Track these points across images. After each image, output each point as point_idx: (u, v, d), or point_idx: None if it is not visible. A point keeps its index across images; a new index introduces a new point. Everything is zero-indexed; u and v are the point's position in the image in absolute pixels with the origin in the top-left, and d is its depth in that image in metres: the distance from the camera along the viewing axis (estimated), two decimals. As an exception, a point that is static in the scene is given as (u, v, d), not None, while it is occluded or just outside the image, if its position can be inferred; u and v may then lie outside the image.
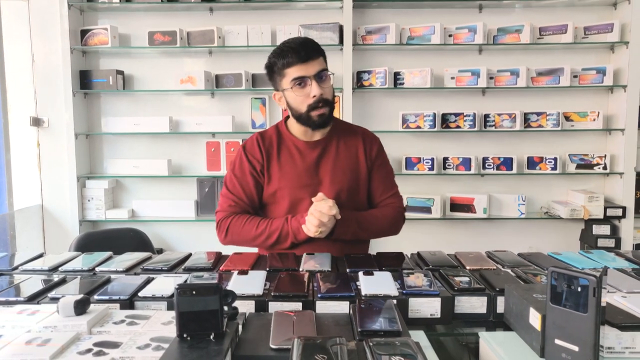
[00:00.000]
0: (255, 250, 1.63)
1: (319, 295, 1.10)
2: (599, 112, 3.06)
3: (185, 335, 0.84)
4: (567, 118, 3.09)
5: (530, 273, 1.26)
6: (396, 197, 1.70)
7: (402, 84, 3.09)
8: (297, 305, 1.08)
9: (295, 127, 1.65)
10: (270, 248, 1.60)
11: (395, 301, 1.06)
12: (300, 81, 1.52)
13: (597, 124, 3.06)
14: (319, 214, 1.46)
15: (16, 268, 1.37)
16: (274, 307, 1.08)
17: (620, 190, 3.08)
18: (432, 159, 3.10)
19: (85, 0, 3.10)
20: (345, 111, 3.06)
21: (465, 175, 3.16)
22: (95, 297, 1.09)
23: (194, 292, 0.85)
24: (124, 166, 3.20)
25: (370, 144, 1.69)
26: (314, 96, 1.52)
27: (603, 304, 0.79)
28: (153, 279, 1.22)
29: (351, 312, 1.02)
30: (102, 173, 3.28)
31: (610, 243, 3.05)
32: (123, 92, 3.20)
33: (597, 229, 3.08)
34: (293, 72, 1.52)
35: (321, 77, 1.53)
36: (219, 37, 3.08)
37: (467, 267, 1.33)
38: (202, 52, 3.20)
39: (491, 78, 3.08)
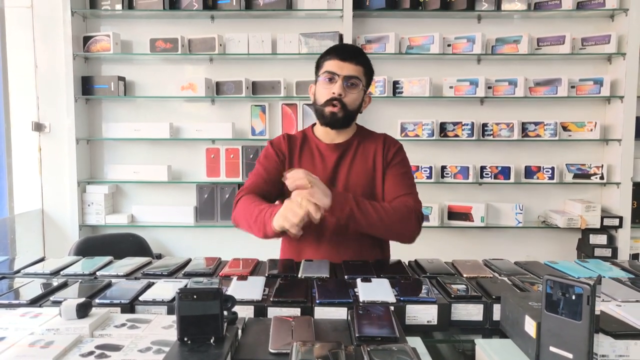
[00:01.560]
0: (254, 256, 1.64)
1: (318, 301, 1.11)
2: (596, 123, 3.08)
3: (185, 339, 0.85)
4: (564, 128, 3.11)
5: (527, 281, 1.27)
6: (410, 197, 1.59)
7: (401, 92, 3.12)
8: (296, 311, 1.09)
9: (320, 130, 1.68)
10: (286, 242, 1.67)
11: (392, 308, 1.07)
12: (330, 76, 1.57)
13: (595, 134, 3.09)
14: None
15: (18, 272, 1.38)
16: (272, 312, 1.09)
17: (617, 200, 3.10)
18: (430, 168, 3.12)
19: (88, 7, 3.13)
20: (344, 119, 3.08)
21: (463, 184, 3.18)
22: (97, 300, 1.10)
23: (194, 297, 0.86)
24: (124, 171, 3.22)
25: (388, 146, 1.67)
26: (333, 93, 1.56)
27: (597, 312, 0.80)
28: (153, 283, 1.24)
29: (349, 318, 1.04)
30: (103, 178, 3.29)
31: (607, 253, 3.06)
32: (124, 98, 3.22)
33: (594, 239, 3.09)
34: (328, 65, 1.59)
35: (350, 82, 1.57)
36: (220, 45, 3.11)
37: (464, 275, 1.35)
38: (203, 60, 3.22)
39: (489, 88, 3.10)
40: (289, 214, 1.34)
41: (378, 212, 1.47)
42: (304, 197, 1.33)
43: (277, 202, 1.63)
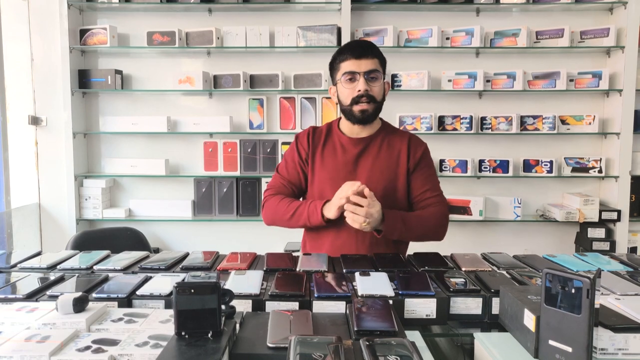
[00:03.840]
0: (253, 250, 1.64)
1: (316, 295, 1.11)
2: (594, 116, 3.08)
3: (183, 333, 0.85)
4: (563, 121, 3.11)
5: (526, 275, 1.27)
6: (441, 198, 1.69)
7: (400, 86, 3.10)
8: (294, 305, 1.09)
9: (344, 124, 1.72)
10: (307, 229, 1.74)
11: (391, 301, 1.07)
12: (351, 76, 1.62)
13: (593, 128, 3.08)
14: (343, 193, 1.50)
15: (14, 266, 1.37)
16: (271, 306, 1.09)
17: (615, 193, 3.10)
18: (429, 161, 3.11)
19: (84, 0, 3.10)
20: (343, 113, 3.07)
21: (461, 178, 3.17)
22: (94, 295, 1.10)
23: (192, 291, 0.86)
24: (122, 165, 3.20)
25: (415, 147, 1.71)
26: (359, 90, 1.60)
27: (596, 305, 0.80)
28: (151, 277, 1.23)
29: (348, 312, 1.03)
30: (100, 172, 3.28)
31: (605, 246, 3.06)
32: (121, 91, 3.20)
33: (592, 232, 3.10)
34: (346, 66, 1.63)
35: (371, 76, 1.61)
36: (218, 38, 3.09)
37: (463, 269, 1.35)
38: (201, 53, 3.20)
39: (488, 81, 3.09)
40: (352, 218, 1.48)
41: (421, 225, 1.60)
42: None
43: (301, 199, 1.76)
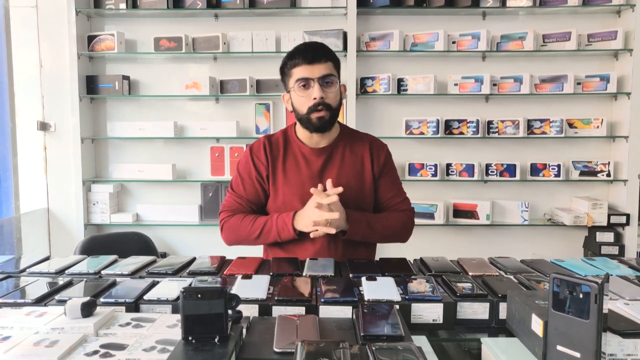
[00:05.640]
0: (259, 255, 1.64)
1: (322, 300, 1.11)
2: (602, 119, 3.06)
3: (190, 338, 0.85)
4: (570, 125, 3.09)
5: (533, 280, 1.26)
6: (407, 203, 1.70)
7: (406, 90, 3.10)
8: (301, 310, 1.09)
9: (301, 132, 1.64)
10: (270, 245, 1.66)
11: (397, 306, 1.07)
12: (304, 82, 1.53)
13: (601, 131, 3.07)
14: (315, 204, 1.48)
15: (23, 271, 1.38)
16: (277, 311, 1.09)
17: (624, 197, 3.08)
18: (436, 165, 3.11)
19: (92, 6, 3.14)
20: (348, 117, 3.07)
21: (468, 182, 3.17)
22: (101, 299, 1.10)
23: (199, 296, 0.86)
24: (129, 170, 3.22)
25: (377, 150, 1.68)
26: (315, 98, 1.52)
27: (605, 310, 0.79)
28: (158, 282, 1.24)
29: (354, 316, 1.03)
30: (107, 177, 3.30)
31: (614, 250, 3.04)
32: (129, 97, 3.23)
33: (601, 236, 3.07)
34: (298, 72, 1.54)
35: (326, 81, 1.54)
36: (224, 43, 3.11)
37: (470, 273, 1.34)
38: (207, 58, 3.22)
39: (494, 85, 3.09)
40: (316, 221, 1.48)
41: (385, 227, 1.60)
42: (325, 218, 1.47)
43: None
